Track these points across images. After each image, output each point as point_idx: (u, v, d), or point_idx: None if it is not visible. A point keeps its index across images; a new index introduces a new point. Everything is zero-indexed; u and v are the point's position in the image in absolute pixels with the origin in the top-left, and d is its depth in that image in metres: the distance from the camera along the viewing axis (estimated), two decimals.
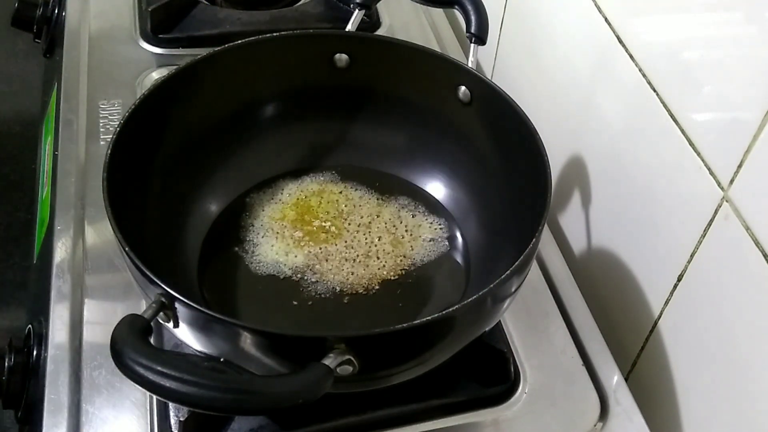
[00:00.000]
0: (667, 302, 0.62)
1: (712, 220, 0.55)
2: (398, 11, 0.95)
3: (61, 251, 0.66)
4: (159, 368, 0.40)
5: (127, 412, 0.57)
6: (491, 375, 0.60)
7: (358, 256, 0.64)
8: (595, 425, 0.60)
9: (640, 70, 0.62)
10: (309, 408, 0.44)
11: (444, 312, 0.47)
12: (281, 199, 0.68)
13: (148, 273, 0.46)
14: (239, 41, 0.64)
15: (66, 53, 0.84)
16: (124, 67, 0.83)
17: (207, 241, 0.65)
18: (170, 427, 0.55)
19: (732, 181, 0.52)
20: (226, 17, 0.88)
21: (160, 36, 0.86)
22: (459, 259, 0.66)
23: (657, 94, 0.60)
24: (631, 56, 0.63)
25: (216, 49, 0.63)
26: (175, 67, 0.62)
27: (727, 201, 0.53)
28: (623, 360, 0.67)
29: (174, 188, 0.63)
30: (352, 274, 0.63)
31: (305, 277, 0.63)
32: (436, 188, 0.70)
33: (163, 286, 0.46)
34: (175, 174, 0.63)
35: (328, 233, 0.66)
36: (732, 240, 0.53)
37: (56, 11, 0.92)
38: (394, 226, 0.67)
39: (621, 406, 0.62)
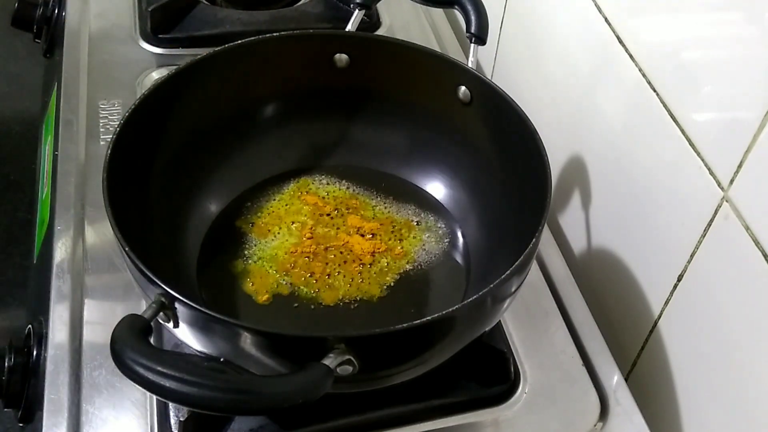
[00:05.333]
0: (667, 302, 0.62)
1: (712, 220, 0.55)
2: (398, 11, 0.95)
3: (61, 251, 0.66)
4: (159, 368, 0.40)
5: (127, 412, 0.57)
6: (491, 375, 0.60)
7: (357, 256, 0.64)
8: (595, 425, 0.60)
9: (640, 70, 0.62)
10: (309, 408, 0.44)
11: (444, 312, 0.47)
12: (281, 199, 0.68)
13: (148, 273, 0.46)
14: (239, 41, 0.64)
15: (66, 53, 0.84)
16: (124, 67, 0.83)
17: (207, 241, 0.65)
18: (170, 427, 0.55)
19: (732, 181, 0.52)
20: (226, 17, 0.88)
21: (160, 36, 0.86)
22: (459, 259, 0.66)
23: (657, 94, 0.60)
24: (631, 56, 0.63)
25: (216, 49, 0.63)
26: (175, 67, 0.62)
27: (727, 201, 0.53)
28: (623, 360, 0.67)
29: (174, 188, 0.63)
30: (352, 273, 0.63)
31: (305, 277, 0.63)
32: (436, 188, 0.70)
33: (163, 286, 0.46)
34: (175, 174, 0.63)
35: (328, 233, 0.66)
36: (732, 240, 0.53)
37: (56, 11, 0.92)
38: (393, 226, 0.67)
39: (621, 406, 0.62)
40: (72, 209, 0.69)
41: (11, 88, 1.64)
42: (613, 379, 0.63)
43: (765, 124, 0.48)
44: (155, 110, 0.60)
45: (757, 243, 0.50)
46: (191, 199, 0.65)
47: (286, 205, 0.68)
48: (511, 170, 0.62)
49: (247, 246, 0.65)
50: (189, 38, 0.86)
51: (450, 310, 0.47)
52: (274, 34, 0.65)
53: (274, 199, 0.68)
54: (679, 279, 0.60)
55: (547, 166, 0.55)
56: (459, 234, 0.67)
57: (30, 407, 0.60)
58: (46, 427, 0.56)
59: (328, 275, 0.63)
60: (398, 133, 0.70)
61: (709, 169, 0.55)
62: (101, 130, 0.76)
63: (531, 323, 0.65)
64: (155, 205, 0.60)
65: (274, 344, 0.46)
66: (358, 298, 0.62)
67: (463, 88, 0.64)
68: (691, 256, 0.58)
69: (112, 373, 0.58)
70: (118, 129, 0.55)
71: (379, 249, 0.65)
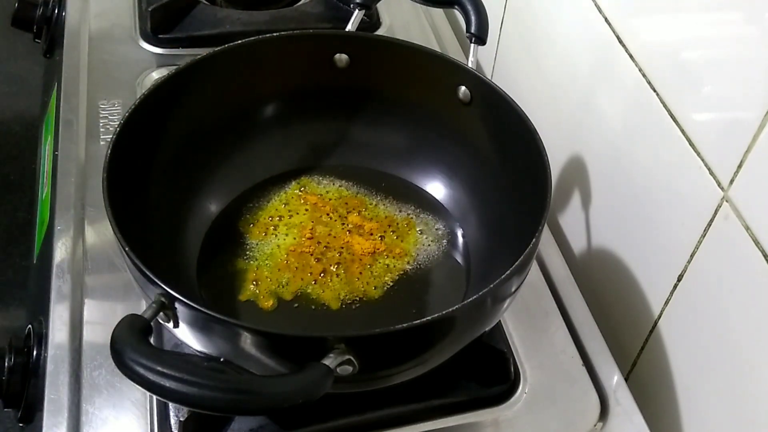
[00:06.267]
0: (667, 302, 0.62)
1: (712, 220, 0.55)
2: (398, 11, 0.95)
3: (61, 251, 0.66)
4: (159, 368, 0.40)
5: (127, 412, 0.57)
6: (491, 375, 0.60)
7: (357, 256, 0.64)
8: (595, 425, 0.60)
9: (640, 70, 0.62)
10: (309, 408, 0.44)
11: (444, 312, 0.47)
12: (281, 199, 0.68)
13: (148, 273, 0.46)
14: (239, 41, 0.64)
15: (66, 53, 0.84)
16: (124, 67, 0.83)
17: (207, 241, 0.65)
18: (170, 427, 0.55)
19: (732, 181, 0.52)
20: (226, 17, 0.88)
21: (160, 36, 0.86)
22: (459, 259, 0.66)
23: (657, 94, 0.60)
24: (631, 56, 0.63)
25: (216, 49, 0.63)
26: (175, 67, 0.62)
27: (727, 201, 0.53)
28: (623, 360, 0.67)
29: (174, 188, 0.63)
30: (352, 273, 0.63)
31: (305, 277, 0.63)
32: (436, 188, 0.70)
33: (163, 286, 0.46)
34: (175, 174, 0.63)
35: (328, 233, 0.66)
36: (732, 240, 0.53)
37: (56, 11, 0.92)
38: (393, 226, 0.67)
39: (621, 406, 0.62)
40: (72, 209, 0.69)
41: (11, 88, 1.64)
42: (613, 379, 0.63)
43: (765, 124, 0.48)
44: (155, 110, 0.60)
45: (757, 243, 0.50)
46: (191, 199, 0.65)
47: (286, 205, 0.68)
48: (511, 170, 0.62)
49: (247, 246, 0.65)
50: (189, 38, 0.86)
51: (450, 310, 0.47)
52: (274, 34, 0.65)
53: (274, 199, 0.68)
54: (679, 279, 0.60)
55: (547, 166, 0.55)
56: (459, 234, 0.67)
57: (30, 407, 0.60)
58: (46, 427, 0.56)
59: (328, 275, 0.63)
60: (398, 133, 0.70)
61: (709, 169, 0.55)
62: (101, 130, 0.76)
63: (531, 323, 0.65)
64: (155, 204, 0.60)
65: (274, 344, 0.46)
66: (358, 298, 0.62)
67: (463, 88, 0.64)
68: (691, 256, 0.58)
69: (112, 373, 0.58)
70: (118, 129, 0.55)
71: (379, 249, 0.65)
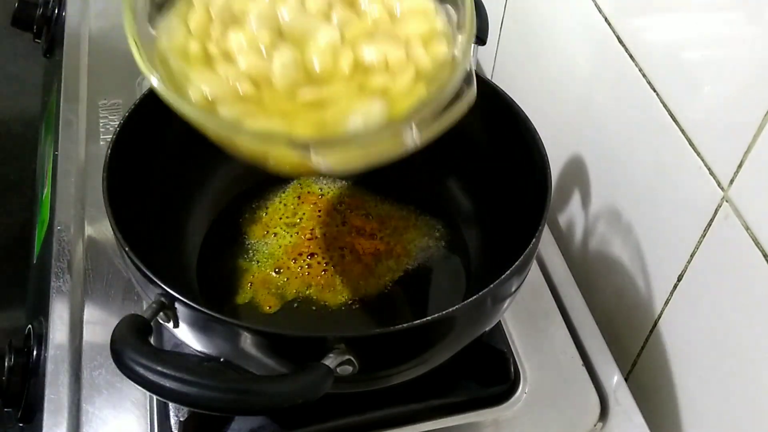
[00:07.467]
0: (667, 302, 0.62)
1: (712, 220, 0.55)
2: None
3: (61, 251, 0.66)
4: (159, 368, 0.40)
5: (127, 412, 0.57)
6: (491, 375, 0.60)
7: (358, 256, 0.64)
8: (595, 425, 0.60)
9: (640, 70, 0.62)
10: (309, 408, 0.44)
11: (444, 312, 0.47)
12: (281, 199, 0.68)
13: (148, 273, 0.46)
14: None
15: (66, 53, 0.84)
16: (124, 67, 0.83)
17: (207, 241, 0.65)
18: (170, 427, 0.55)
19: (732, 181, 0.52)
20: None
21: None
22: (459, 259, 0.66)
23: (657, 94, 0.60)
24: (631, 56, 0.63)
25: None
26: None
27: (727, 201, 0.53)
28: (623, 360, 0.67)
29: (174, 188, 0.63)
30: (352, 273, 0.63)
31: (305, 277, 0.63)
32: (437, 188, 0.70)
33: (163, 286, 0.46)
34: (175, 174, 0.63)
35: (328, 233, 0.66)
36: (732, 240, 0.53)
37: (56, 11, 0.92)
38: (393, 226, 0.67)
39: (621, 406, 0.62)
40: (72, 209, 0.69)
41: (11, 88, 1.64)
42: (613, 379, 0.63)
43: (765, 124, 0.48)
44: (155, 110, 0.59)
45: (757, 243, 0.50)
46: (191, 198, 0.65)
47: (287, 205, 0.68)
48: (511, 170, 0.62)
49: (247, 246, 0.65)
50: None
51: (450, 310, 0.47)
52: None
53: (274, 199, 0.68)
54: (679, 279, 0.60)
55: (547, 166, 0.55)
56: (459, 234, 0.67)
57: (30, 407, 0.60)
58: (46, 427, 0.56)
59: (329, 275, 0.63)
60: None
61: (709, 169, 0.55)
62: (101, 130, 0.76)
63: (531, 323, 0.65)
64: (155, 204, 0.60)
65: (274, 344, 0.46)
66: (358, 298, 0.62)
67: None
68: (691, 256, 0.58)
69: (112, 373, 0.58)
70: (118, 129, 0.55)
71: (379, 249, 0.65)
